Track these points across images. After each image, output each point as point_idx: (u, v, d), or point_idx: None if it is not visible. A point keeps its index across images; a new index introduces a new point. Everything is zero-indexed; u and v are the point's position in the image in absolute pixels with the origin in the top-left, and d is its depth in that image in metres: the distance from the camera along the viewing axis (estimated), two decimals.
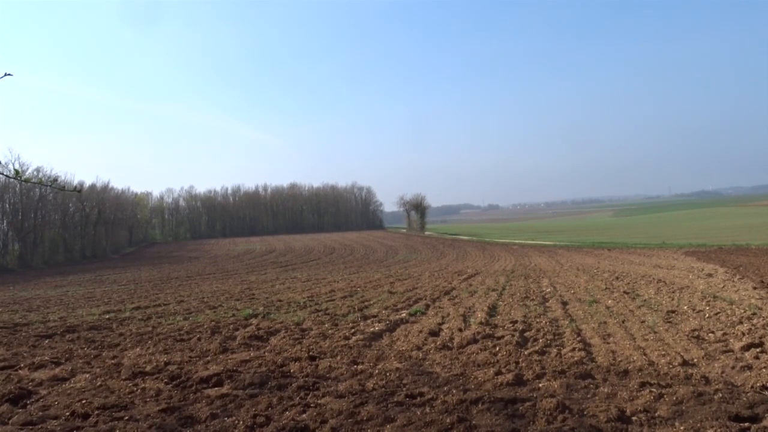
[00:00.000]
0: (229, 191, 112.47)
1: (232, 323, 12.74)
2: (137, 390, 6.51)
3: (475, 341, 9.95)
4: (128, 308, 16.39)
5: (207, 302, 17.70)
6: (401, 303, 16.07)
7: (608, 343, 9.79)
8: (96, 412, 5.62)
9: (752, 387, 6.67)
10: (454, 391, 6.19)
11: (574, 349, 9.13)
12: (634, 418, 5.26)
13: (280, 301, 17.46)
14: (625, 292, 17.15)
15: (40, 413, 5.62)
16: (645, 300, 15.11)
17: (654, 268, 25.87)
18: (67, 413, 5.60)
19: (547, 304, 15.27)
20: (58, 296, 22.10)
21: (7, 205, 52.52)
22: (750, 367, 7.63)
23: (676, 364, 7.98)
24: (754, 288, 16.30)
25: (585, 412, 5.40)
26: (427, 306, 15.22)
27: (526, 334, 10.75)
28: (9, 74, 3.86)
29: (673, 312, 12.89)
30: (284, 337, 10.73)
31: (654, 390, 6.07)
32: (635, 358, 8.44)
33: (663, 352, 8.71)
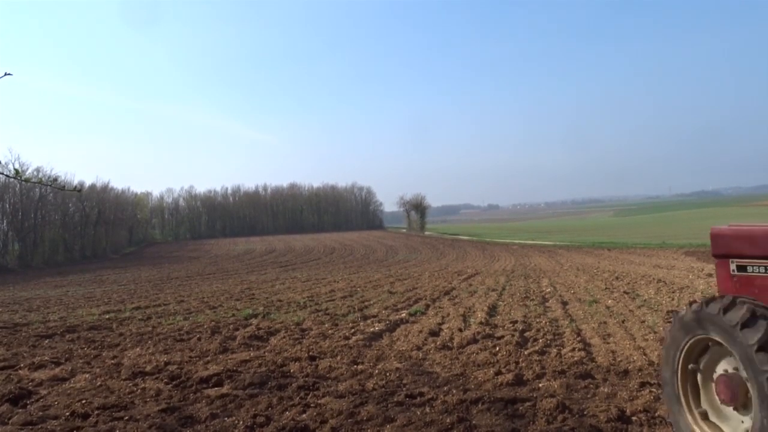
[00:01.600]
0: (229, 191, 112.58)
1: (232, 323, 12.73)
2: (137, 390, 6.51)
3: (475, 341, 9.95)
4: (128, 308, 16.38)
5: (207, 302, 17.70)
6: (401, 303, 16.07)
7: (608, 343, 9.79)
8: (96, 412, 5.63)
9: None
10: (454, 391, 6.20)
11: (574, 349, 9.13)
12: (634, 418, 5.27)
13: (280, 301, 17.46)
14: (625, 292, 17.14)
15: (40, 413, 5.62)
16: (645, 300, 15.10)
17: (654, 268, 25.87)
18: (67, 413, 5.61)
19: (547, 304, 15.27)
20: (58, 296, 22.10)
21: (7, 205, 52.53)
22: None
23: None
24: None
25: (585, 412, 5.41)
26: (427, 306, 15.21)
27: (526, 334, 10.75)
28: (9, 74, 3.86)
29: (674, 312, 12.88)
30: (284, 337, 10.72)
31: (654, 390, 6.08)
32: (635, 358, 8.44)
33: None
